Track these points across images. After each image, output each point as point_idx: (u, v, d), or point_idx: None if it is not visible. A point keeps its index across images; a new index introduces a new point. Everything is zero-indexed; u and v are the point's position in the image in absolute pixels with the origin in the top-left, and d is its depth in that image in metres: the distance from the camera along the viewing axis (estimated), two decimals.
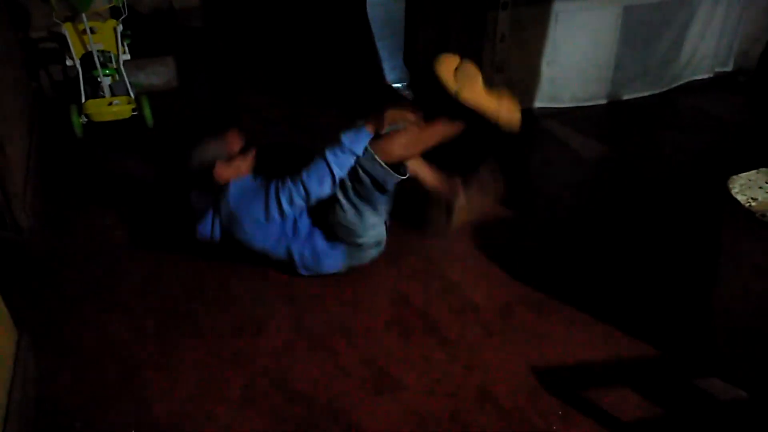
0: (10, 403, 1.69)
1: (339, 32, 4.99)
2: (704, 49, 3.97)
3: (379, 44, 4.81)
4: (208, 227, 2.29)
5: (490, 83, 2.13)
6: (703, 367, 1.96)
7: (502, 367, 1.97)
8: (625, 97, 3.87)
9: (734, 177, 1.85)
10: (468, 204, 2.36)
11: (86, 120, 3.38)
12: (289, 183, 2.15)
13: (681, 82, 4.02)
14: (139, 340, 2.08)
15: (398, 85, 4.20)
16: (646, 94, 3.91)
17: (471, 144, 2.32)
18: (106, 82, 3.45)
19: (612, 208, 2.84)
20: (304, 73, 4.42)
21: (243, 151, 2.30)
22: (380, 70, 4.39)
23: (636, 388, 1.88)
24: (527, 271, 2.39)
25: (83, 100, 3.40)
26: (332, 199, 2.16)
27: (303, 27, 5.06)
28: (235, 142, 2.30)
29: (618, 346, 2.04)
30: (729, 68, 4.16)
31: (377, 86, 4.25)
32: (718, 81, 4.09)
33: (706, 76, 4.11)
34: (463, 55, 3.57)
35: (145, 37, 4.00)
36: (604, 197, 2.94)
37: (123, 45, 3.50)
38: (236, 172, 2.25)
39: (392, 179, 2.10)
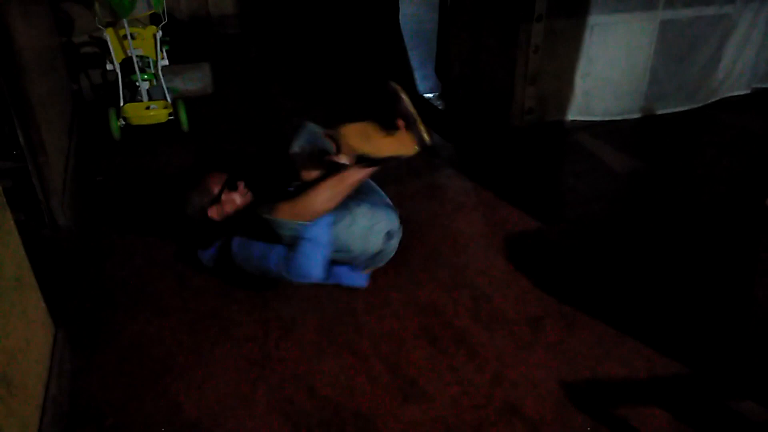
0: (47, 397, 1.73)
1: (372, 41, 5.03)
2: (743, 64, 3.90)
3: (410, 54, 4.84)
4: (207, 256, 2.35)
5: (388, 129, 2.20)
6: (738, 388, 1.92)
7: (530, 381, 1.95)
8: (660, 112, 3.82)
9: None
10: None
11: (124, 123, 3.47)
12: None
13: (717, 98, 3.94)
14: (171, 339, 2.12)
15: (429, 95, 4.21)
16: (681, 109, 3.84)
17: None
18: (145, 86, 3.53)
19: (644, 223, 2.79)
20: (337, 81, 4.46)
21: (230, 185, 2.30)
22: (412, 79, 4.41)
23: (667, 407, 1.85)
24: (558, 283, 2.37)
25: (122, 104, 3.48)
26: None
27: (337, 35, 5.12)
28: (215, 183, 2.30)
29: (649, 364, 2.01)
30: None
31: (409, 95, 4.26)
32: (757, 97, 4.00)
33: (743, 92, 4.02)
34: (496, 65, 3.60)
35: (182, 44, 4.09)
36: (637, 212, 2.90)
37: (162, 51, 3.58)
38: (232, 206, 2.29)
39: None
